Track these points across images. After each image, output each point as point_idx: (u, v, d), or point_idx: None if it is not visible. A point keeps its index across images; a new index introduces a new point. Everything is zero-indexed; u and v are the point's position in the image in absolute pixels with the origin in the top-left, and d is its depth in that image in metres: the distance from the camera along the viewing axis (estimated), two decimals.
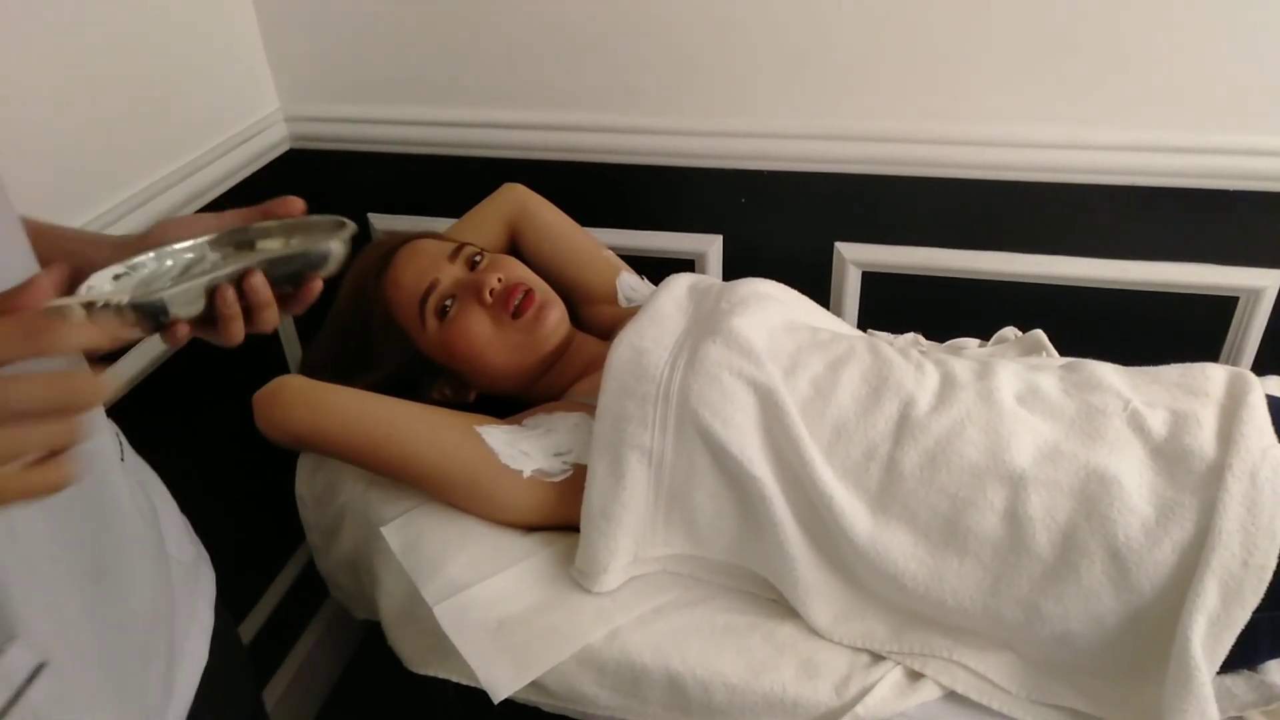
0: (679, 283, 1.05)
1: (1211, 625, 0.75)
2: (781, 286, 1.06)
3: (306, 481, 1.02)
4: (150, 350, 1.12)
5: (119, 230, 1.04)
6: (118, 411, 1.06)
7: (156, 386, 1.14)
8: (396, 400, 0.94)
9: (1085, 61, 1.08)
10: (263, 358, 1.35)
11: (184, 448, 1.20)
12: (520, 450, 0.92)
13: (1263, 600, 0.75)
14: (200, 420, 1.21)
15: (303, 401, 0.91)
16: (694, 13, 1.15)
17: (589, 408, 0.93)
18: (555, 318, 1.01)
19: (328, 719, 1.50)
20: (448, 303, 0.99)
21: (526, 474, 0.91)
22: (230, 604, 1.19)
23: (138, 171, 1.09)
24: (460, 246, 1.03)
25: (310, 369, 1.01)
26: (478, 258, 1.03)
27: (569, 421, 0.95)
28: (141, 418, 1.12)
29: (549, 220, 1.19)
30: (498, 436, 0.92)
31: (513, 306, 0.99)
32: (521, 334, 1.00)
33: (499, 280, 0.99)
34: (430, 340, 1.00)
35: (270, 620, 1.38)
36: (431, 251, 1.02)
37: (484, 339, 0.99)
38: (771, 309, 0.99)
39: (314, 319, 1.08)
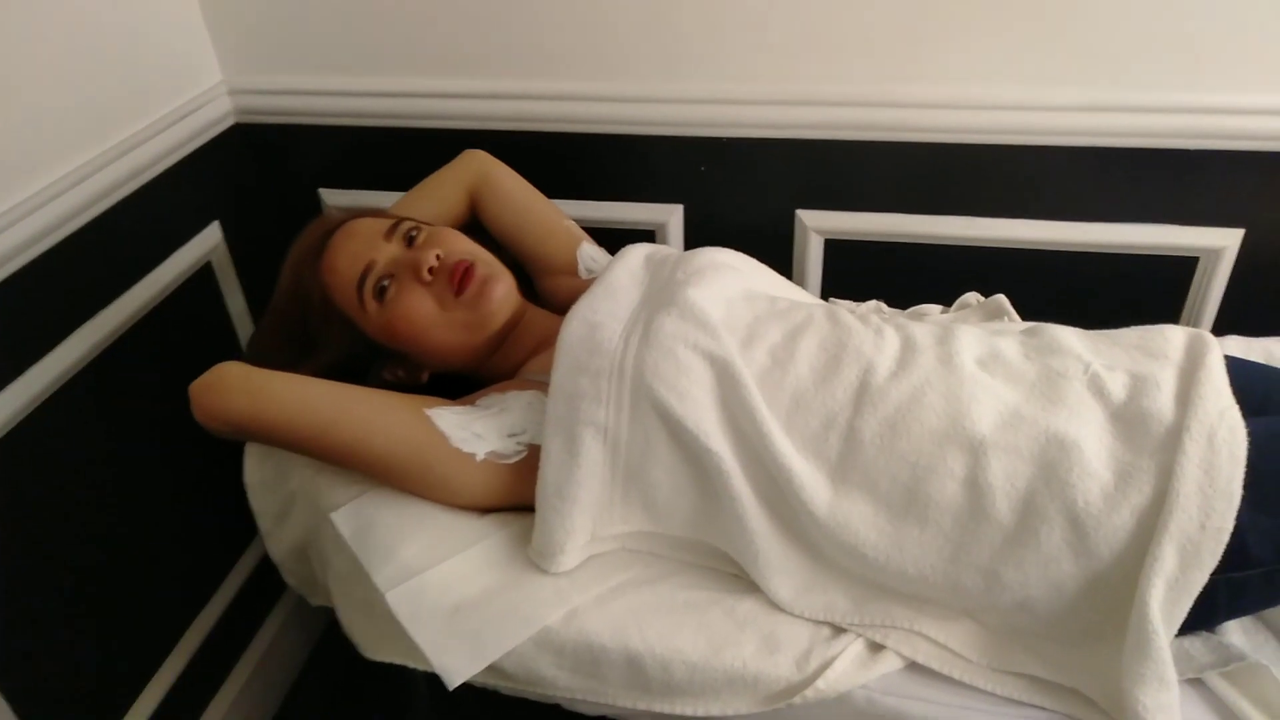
0: (635, 254, 1.02)
1: (1170, 589, 0.75)
2: (740, 255, 1.04)
3: (255, 468, 1.00)
4: (98, 333, 1.08)
5: (49, 214, 1.00)
6: (72, 394, 1.05)
7: (108, 372, 1.11)
8: (341, 385, 0.91)
9: (1044, 21, 1.07)
10: (214, 341, 1.32)
11: (137, 433, 1.17)
12: (473, 432, 0.89)
13: (1220, 562, 0.75)
14: (153, 404, 1.17)
15: (242, 389, 0.87)
16: None
17: (542, 385, 0.91)
18: (500, 292, 0.97)
19: (293, 707, 1.48)
20: (385, 283, 0.95)
21: (480, 457, 0.89)
22: (188, 593, 1.18)
23: (72, 148, 1.05)
24: (396, 223, 0.99)
25: (254, 358, 0.97)
26: (414, 233, 0.99)
27: (522, 400, 0.93)
28: (94, 403, 1.10)
29: (510, 188, 1.16)
30: (449, 419, 0.90)
31: (455, 283, 0.95)
32: (465, 311, 0.96)
33: (437, 257, 0.96)
34: (372, 323, 0.97)
35: (229, 609, 1.36)
36: (366, 231, 0.98)
37: (426, 318, 0.95)
38: (729, 279, 0.97)
39: (267, 300, 1.05)
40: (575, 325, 0.90)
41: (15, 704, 1.01)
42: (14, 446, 0.99)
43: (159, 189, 1.17)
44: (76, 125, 1.06)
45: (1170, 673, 0.74)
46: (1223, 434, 0.78)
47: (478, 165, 1.16)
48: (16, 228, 0.96)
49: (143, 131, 1.14)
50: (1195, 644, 0.81)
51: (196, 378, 0.89)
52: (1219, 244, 1.15)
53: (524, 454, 0.90)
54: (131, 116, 1.14)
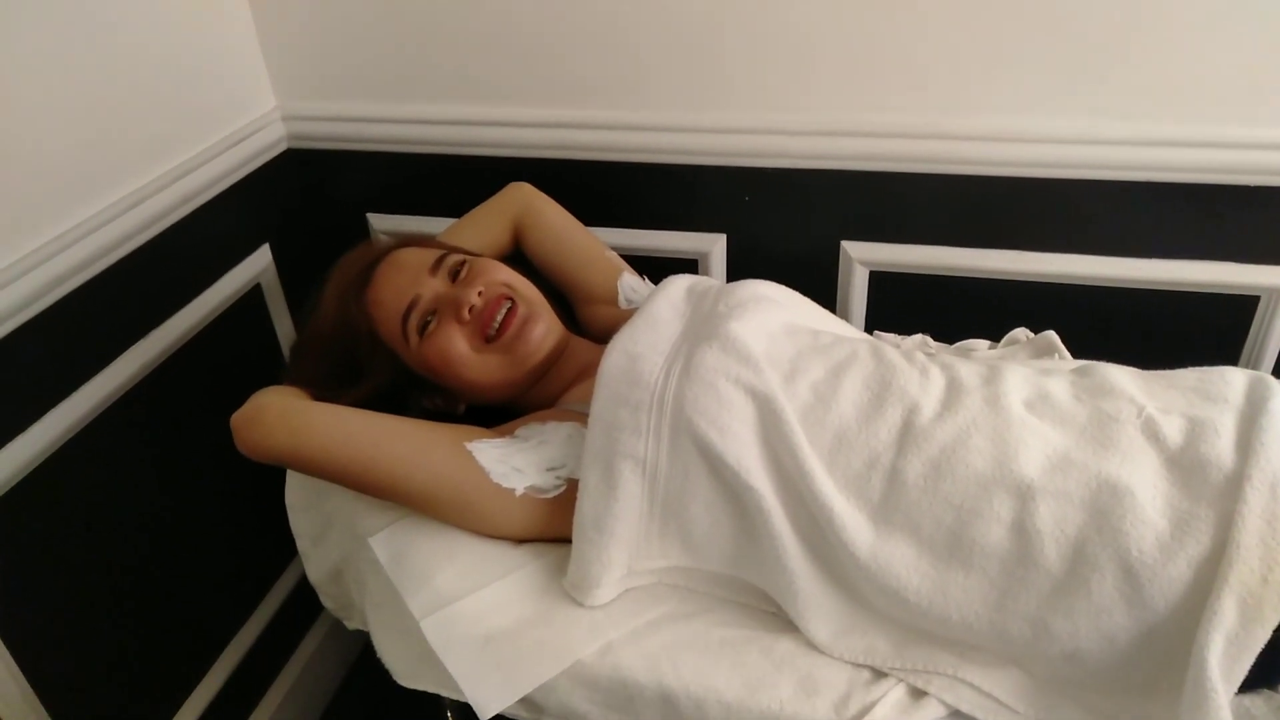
0: (676, 285, 1.02)
1: (1229, 644, 0.72)
2: (782, 288, 1.03)
3: (296, 489, 1.01)
4: (150, 351, 1.11)
5: (108, 234, 1.03)
6: (123, 412, 1.07)
7: (158, 390, 1.13)
8: (382, 419, 0.90)
9: (1097, 52, 1.05)
10: (262, 362, 1.34)
11: (185, 450, 1.19)
12: (512, 466, 0.89)
13: None
14: (201, 423, 1.19)
15: (284, 426, 0.87)
16: (698, 8, 1.12)
17: (582, 416, 0.91)
18: (539, 332, 0.97)
19: None
20: (429, 319, 0.96)
21: (519, 492, 0.88)
22: (227, 612, 1.19)
23: (131, 172, 1.08)
24: (442, 257, 0.99)
25: (297, 382, 0.98)
26: (458, 267, 0.99)
27: (562, 433, 0.92)
28: (144, 420, 1.12)
29: (553, 219, 1.17)
30: (489, 454, 0.89)
31: (490, 329, 0.95)
32: (501, 353, 0.96)
33: (479, 294, 0.96)
34: (414, 356, 0.97)
35: (267, 630, 1.37)
36: (412, 265, 0.99)
37: (463, 358, 0.96)
38: (771, 312, 0.96)
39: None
40: (616, 356, 0.89)
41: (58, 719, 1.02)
42: (66, 462, 1.01)
43: (213, 212, 1.20)
44: (135, 149, 1.09)
45: None
46: None
47: (522, 197, 1.17)
48: (76, 247, 0.99)
49: (199, 156, 1.17)
50: (1257, 702, 0.77)
51: (241, 404, 0.90)
52: None
53: (563, 488, 0.89)
54: (188, 142, 1.17)
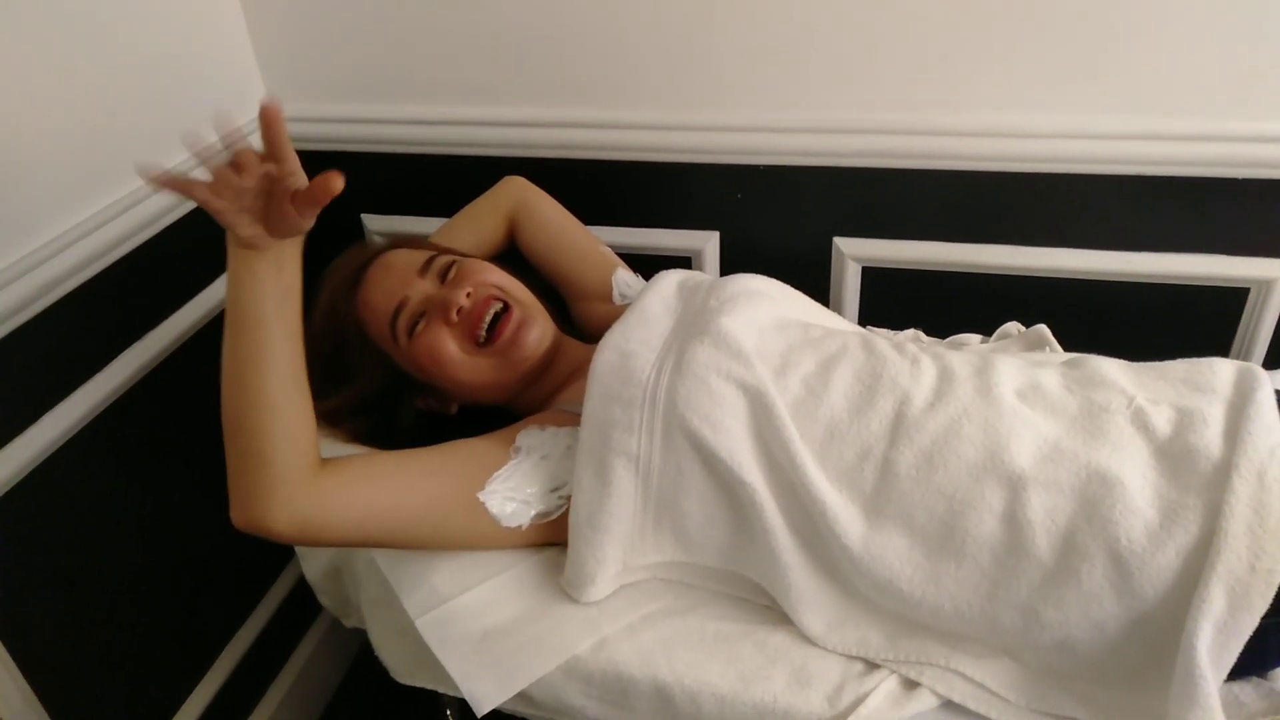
0: (668, 280, 1.02)
1: (1218, 632, 0.72)
2: (774, 282, 1.04)
3: None
4: (147, 353, 1.11)
5: (108, 233, 1.03)
6: (120, 414, 1.07)
7: (155, 392, 1.13)
8: (389, 482, 0.86)
9: (1086, 47, 1.05)
10: None
11: (180, 453, 1.19)
12: (520, 501, 0.88)
13: (1271, 605, 0.72)
14: (197, 424, 1.20)
15: (295, 531, 0.81)
16: (687, 6, 1.13)
17: (578, 418, 0.90)
18: (534, 336, 0.97)
19: None
20: (418, 321, 0.96)
21: (526, 526, 0.89)
22: (225, 614, 1.19)
23: (125, 174, 1.08)
24: (431, 259, 0.99)
25: None
26: (448, 268, 0.99)
27: (561, 445, 0.91)
28: (139, 424, 1.12)
29: (547, 214, 1.17)
30: (498, 499, 0.87)
31: (479, 330, 0.95)
32: (497, 357, 0.96)
33: (467, 295, 0.96)
34: (404, 357, 0.97)
35: (265, 631, 1.37)
36: (401, 266, 0.99)
37: (452, 359, 0.95)
38: (762, 306, 0.96)
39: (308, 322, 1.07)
40: (608, 354, 0.90)
41: None
42: (64, 463, 1.01)
43: (207, 214, 1.20)
44: (128, 151, 1.09)
45: (1220, 718, 0.72)
46: (1274, 472, 0.75)
47: (516, 191, 1.18)
48: (72, 249, 1.00)
49: (194, 157, 1.17)
50: (1246, 689, 0.78)
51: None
52: (1270, 275, 1.12)
53: (565, 508, 0.89)
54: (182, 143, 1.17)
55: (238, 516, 0.81)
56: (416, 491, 0.86)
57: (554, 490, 0.90)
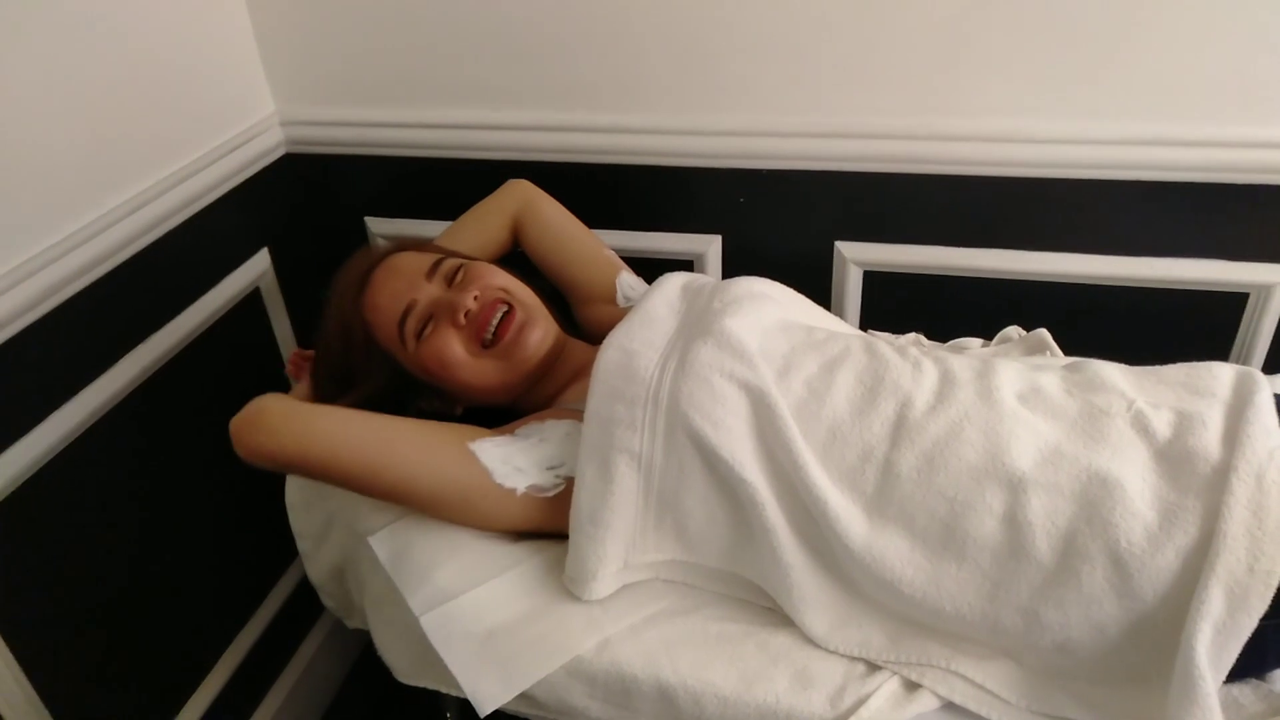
0: (672, 282, 1.03)
1: (1217, 633, 0.73)
2: (777, 285, 1.04)
3: (296, 489, 1.02)
4: (150, 355, 1.12)
5: (112, 237, 1.04)
6: (124, 415, 1.08)
7: (159, 393, 1.14)
8: (383, 420, 0.90)
9: (1088, 53, 1.06)
10: (261, 365, 1.35)
11: (185, 453, 1.20)
12: (514, 466, 0.89)
13: (1270, 607, 0.72)
14: (201, 426, 1.20)
15: (287, 430, 0.87)
16: (691, 10, 1.13)
17: (579, 414, 0.92)
18: (537, 337, 0.98)
19: None
20: (426, 323, 0.96)
21: (520, 491, 0.89)
22: (228, 613, 1.20)
23: (130, 177, 1.09)
24: (438, 262, 1.00)
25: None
26: (454, 272, 0.99)
27: (560, 431, 0.93)
28: (142, 426, 1.13)
29: (551, 216, 1.18)
30: (491, 453, 0.90)
31: (486, 333, 0.96)
32: (498, 358, 0.97)
33: (475, 298, 0.96)
34: (411, 360, 0.98)
35: (268, 630, 1.38)
36: (408, 269, 0.99)
37: (459, 362, 0.96)
38: (765, 308, 0.97)
39: (313, 326, 1.08)
40: (611, 353, 0.90)
41: None
42: (68, 464, 1.02)
43: (212, 216, 1.21)
44: (134, 154, 1.10)
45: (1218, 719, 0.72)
46: (1272, 474, 0.76)
47: (520, 193, 1.18)
48: (76, 252, 1.00)
49: (197, 161, 1.18)
50: (1244, 691, 0.78)
51: (247, 394, 0.90)
52: (1270, 279, 1.13)
53: (562, 487, 0.90)
54: (187, 147, 1.18)
55: (236, 420, 0.88)
56: (409, 430, 0.91)
57: (550, 468, 0.90)
